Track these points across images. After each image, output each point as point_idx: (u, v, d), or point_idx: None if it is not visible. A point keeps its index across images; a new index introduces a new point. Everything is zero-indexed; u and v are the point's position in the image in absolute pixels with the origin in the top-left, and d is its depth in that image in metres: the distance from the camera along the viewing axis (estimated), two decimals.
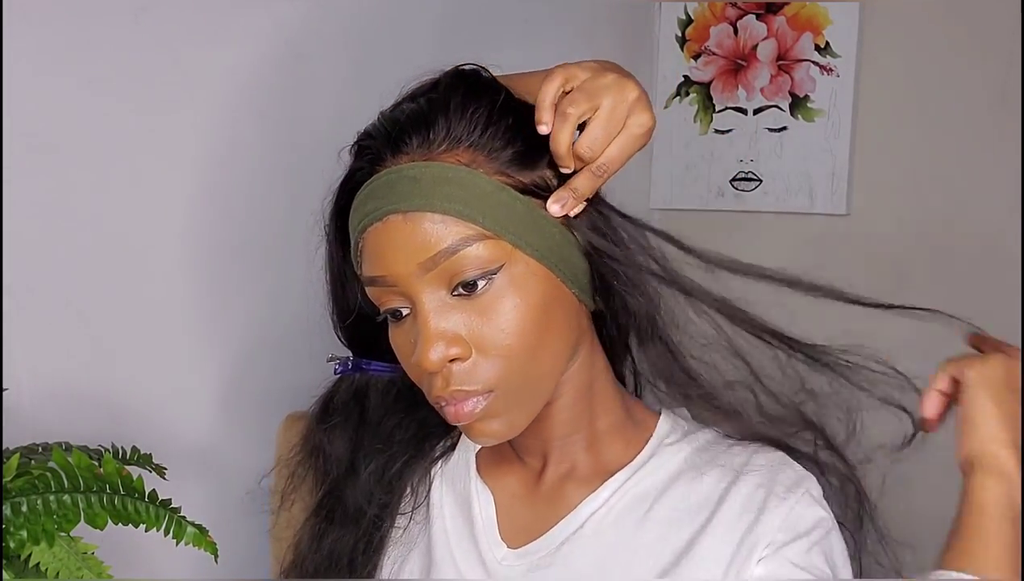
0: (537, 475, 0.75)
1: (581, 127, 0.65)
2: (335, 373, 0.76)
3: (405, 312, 0.66)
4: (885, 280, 1.36)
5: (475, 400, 0.65)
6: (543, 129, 0.65)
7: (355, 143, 0.69)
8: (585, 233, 0.67)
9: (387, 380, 0.75)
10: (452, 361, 0.64)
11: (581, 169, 0.66)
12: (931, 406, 0.72)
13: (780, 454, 0.71)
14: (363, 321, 0.72)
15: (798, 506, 0.68)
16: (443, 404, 0.66)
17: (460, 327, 0.64)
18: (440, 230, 0.63)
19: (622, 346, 0.76)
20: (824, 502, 0.70)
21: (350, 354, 0.76)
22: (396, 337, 0.68)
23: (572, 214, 0.67)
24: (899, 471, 1.36)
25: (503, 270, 0.63)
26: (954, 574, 0.64)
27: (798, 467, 0.71)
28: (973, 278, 1.29)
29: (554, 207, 0.66)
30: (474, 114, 0.65)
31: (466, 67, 0.69)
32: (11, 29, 0.76)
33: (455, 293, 0.64)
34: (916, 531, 1.36)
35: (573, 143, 0.65)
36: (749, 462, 0.70)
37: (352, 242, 0.68)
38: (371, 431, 0.76)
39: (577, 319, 0.69)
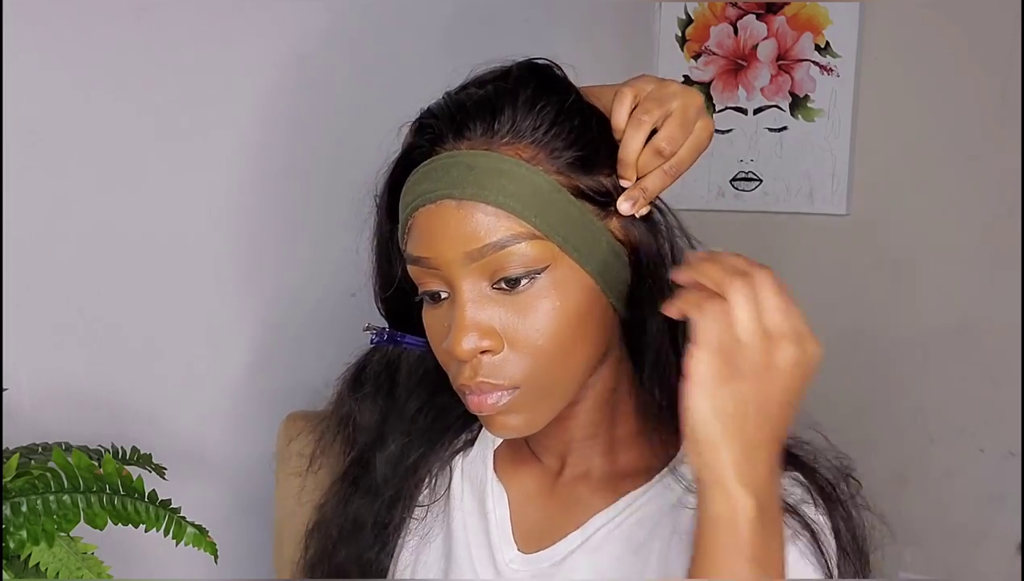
0: (554, 476, 0.75)
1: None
2: (370, 343, 0.76)
3: (444, 295, 0.66)
4: (885, 280, 1.36)
5: (499, 394, 0.65)
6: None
7: (417, 120, 0.69)
8: (642, 231, 0.67)
9: (418, 356, 0.75)
10: (483, 352, 0.64)
11: (651, 170, 0.66)
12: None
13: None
14: (403, 295, 0.72)
15: None
16: (467, 393, 0.66)
17: (495, 320, 0.64)
18: (491, 222, 0.62)
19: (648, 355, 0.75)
20: (798, 516, 0.65)
21: (386, 325, 0.76)
22: (430, 319, 0.68)
23: (638, 215, 0.67)
24: (899, 471, 1.36)
25: (547, 271, 0.63)
26: None
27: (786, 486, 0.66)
28: (973, 278, 1.29)
29: (624, 205, 0.65)
30: (542, 110, 0.64)
31: (539, 61, 0.69)
32: (11, 29, 0.76)
33: (496, 286, 0.64)
34: (916, 531, 1.36)
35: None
36: None
37: (401, 219, 0.68)
38: (397, 408, 0.76)
39: (610, 326, 0.68)
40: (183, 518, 0.61)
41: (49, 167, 0.81)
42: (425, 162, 0.66)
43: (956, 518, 1.32)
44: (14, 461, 0.59)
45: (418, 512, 0.76)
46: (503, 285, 0.63)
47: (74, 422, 0.82)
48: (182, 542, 0.61)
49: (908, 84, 1.32)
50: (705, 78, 1.46)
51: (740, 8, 1.41)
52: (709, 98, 1.45)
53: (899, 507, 1.35)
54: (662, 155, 0.65)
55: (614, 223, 0.67)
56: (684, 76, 1.47)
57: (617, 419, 0.73)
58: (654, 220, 0.69)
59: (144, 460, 0.73)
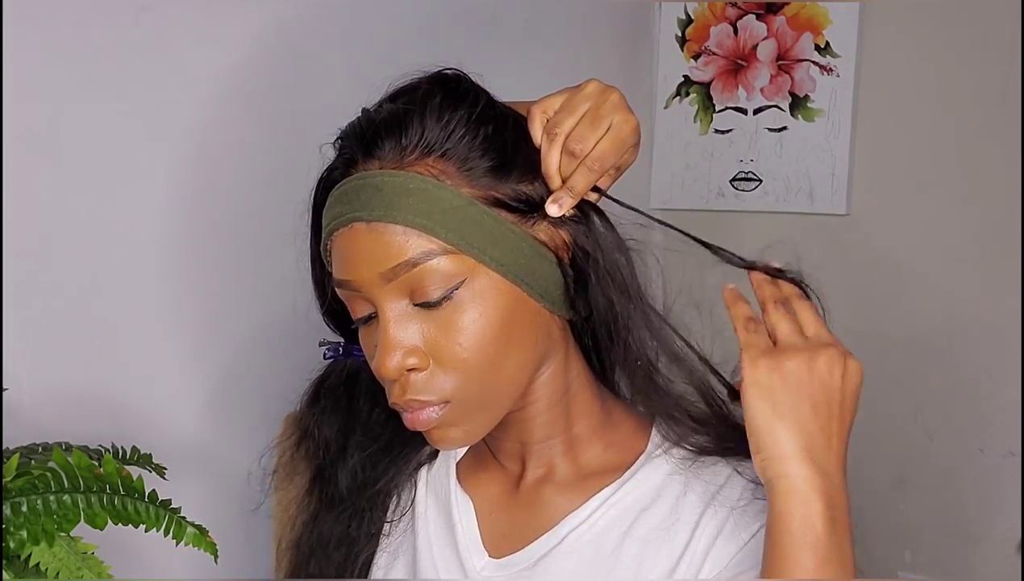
0: (516, 479, 0.75)
1: None
2: (324, 358, 0.77)
3: (373, 315, 0.66)
4: (885, 280, 1.36)
5: (431, 409, 0.65)
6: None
7: (336, 139, 0.69)
8: (572, 230, 0.67)
9: None
10: (410, 370, 0.64)
11: (575, 169, 0.66)
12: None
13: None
14: (347, 311, 0.72)
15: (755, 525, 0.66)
16: (400, 411, 0.67)
17: (419, 338, 0.64)
18: (401, 242, 0.62)
19: (607, 352, 0.75)
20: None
21: (343, 340, 0.76)
22: (364, 338, 0.68)
23: (567, 214, 0.66)
24: (898, 473, 1.36)
25: (465, 284, 0.63)
26: None
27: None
28: (973, 278, 1.29)
29: (552, 208, 0.65)
30: (449, 122, 0.64)
31: (448, 72, 0.69)
32: (11, 29, 0.76)
33: (416, 303, 0.64)
34: (916, 531, 1.36)
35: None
36: (727, 482, 0.68)
37: (322, 242, 0.68)
38: (360, 421, 0.76)
39: (546, 330, 0.68)
40: (183, 518, 0.61)
41: (49, 167, 0.81)
42: (340, 184, 0.66)
43: (956, 518, 1.32)
44: (14, 461, 0.59)
45: (385, 528, 0.76)
46: (423, 301, 0.63)
47: (74, 422, 0.82)
48: (182, 542, 0.60)
49: (908, 84, 1.32)
50: (705, 78, 1.46)
51: (740, 8, 1.41)
52: (709, 98, 1.46)
53: (899, 507, 1.36)
54: (575, 156, 0.65)
55: (540, 228, 0.66)
56: (684, 76, 1.47)
57: (573, 418, 0.73)
58: (587, 221, 0.68)
59: (144, 460, 0.73)
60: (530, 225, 0.66)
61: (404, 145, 0.64)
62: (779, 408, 0.59)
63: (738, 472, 0.68)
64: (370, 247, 0.63)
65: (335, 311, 0.73)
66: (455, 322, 0.64)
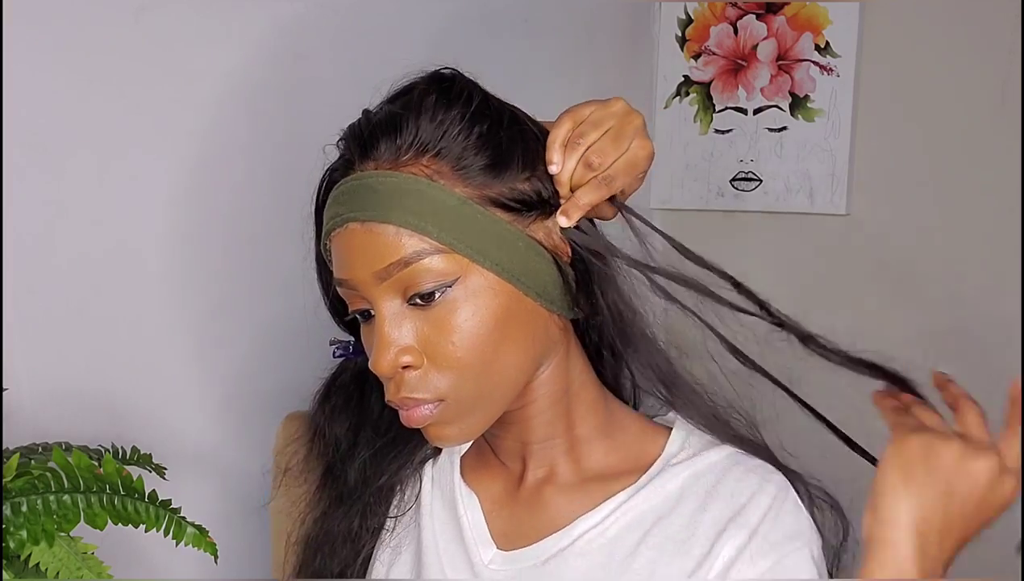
0: (517, 478, 0.75)
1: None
2: (334, 356, 0.78)
3: (372, 313, 0.67)
4: (885, 280, 1.36)
5: (425, 407, 0.66)
6: (553, 169, 0.66)
7: (339, 140, 0.70)
8: (571, 234, 0.68)
9: None
10: (405, 368, 0.65)
11: (587, 182, 0.67)
12: None
13: (781, 490, 0.68)
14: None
15: (786, 560, 0.66)
16: (396, 408, 0.68)
17: (412, 337, 0.65)
18: (394, 241, 0.63)
19: (610, 353, 0.76)
20: (816, 549, 0.67)
21: (352, 339, 0.77)
22: (365, 335, 0.69)
23: (574, 226, 0.67)
24: None
25: (458, 283, 0.64)
26: None
27: (801, 516, 0.68)
28: (973, 278, 1.29)
29: (562, 219, 0.66)
30: (443, 122, 0.65)
31: (444, 71, 0.69)
32: (11, 29, 0.76)
33: (411, 302, 0.64)
34: None
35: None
36: (750, 500, 0.67)
37: (322, 241, 0.69)
38: (370, 418, 0.77)
39: (544, 330, 0.68)
40: (183, 518, 0.61)
41: (48, 167, 0.81)
42: (339, 184, 0.67)
43: None
44: (14, 461, 0.60)
45: (389, 523, 0.77)
46: (418, 300, 0.64)
47: (74, 422, 0.82)
48: (182, 542, 0.61)
49: (908, 84, 1.32)
50: (705, 78, 1.46)
51: (740, 8, 1.41)
52: (709, 98, 1.46)
53: None
54: (592, 168, 0.66)
55: (537, 226, 0.67)
56: (684, 76, 1.47)
57: (575, 419, 0.73)
58: (590, 221, 0.69)
59: (144, 460, 0.74)
60: (526, 224, 0.66)
61: (399, 145, 0.65)
62: (911, 482, 0.59)
63: (765, 480, 0.68)
64: (364, 247, 0.64)
65: (340, 310, 0.74)
66: (448, 321, 0.64)
